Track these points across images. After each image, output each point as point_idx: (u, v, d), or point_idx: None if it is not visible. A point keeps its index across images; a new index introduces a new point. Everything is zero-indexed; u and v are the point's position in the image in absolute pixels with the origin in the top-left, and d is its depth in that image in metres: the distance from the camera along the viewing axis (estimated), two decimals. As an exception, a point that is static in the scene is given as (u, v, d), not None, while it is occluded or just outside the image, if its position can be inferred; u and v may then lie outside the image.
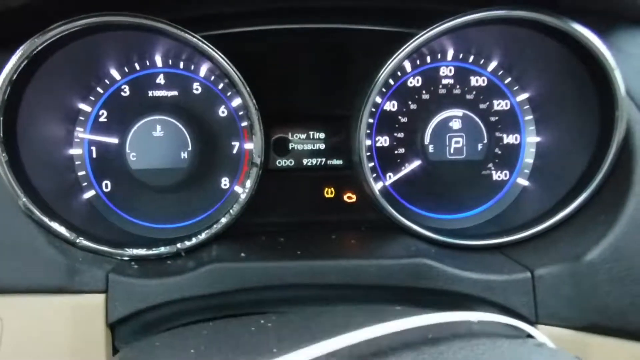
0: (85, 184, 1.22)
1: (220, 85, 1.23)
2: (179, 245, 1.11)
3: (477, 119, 1.22)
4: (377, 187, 1.18)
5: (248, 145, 1.23)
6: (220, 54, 1.07)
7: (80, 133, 1.21)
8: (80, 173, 1.21)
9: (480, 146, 1.23)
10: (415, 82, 1.28)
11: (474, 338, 0.66)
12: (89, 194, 1.22)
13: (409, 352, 0.64)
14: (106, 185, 1.23)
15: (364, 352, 0.66)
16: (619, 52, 1.08)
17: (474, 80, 1.28)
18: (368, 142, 1.26)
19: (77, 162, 1.21)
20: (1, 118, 0.99)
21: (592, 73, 1.10)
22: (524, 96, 1.27)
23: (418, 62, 1.27)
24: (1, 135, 0.99)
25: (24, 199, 1.00)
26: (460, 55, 1.27)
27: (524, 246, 1.13)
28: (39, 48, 0.99)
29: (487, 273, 1.03)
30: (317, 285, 1.03)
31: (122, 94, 1.21)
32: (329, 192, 1.33)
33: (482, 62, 1.27)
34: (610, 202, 1.05)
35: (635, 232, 1.00)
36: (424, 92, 1.28)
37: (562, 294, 1.00)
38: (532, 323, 0.99)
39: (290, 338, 0.73)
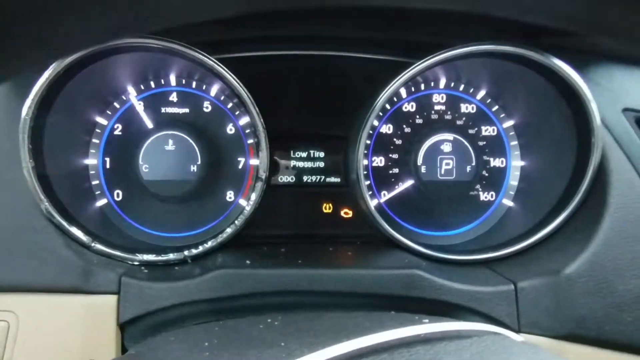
0: (98, 192, 1.29)
1: (229, 105, 1.31)
2: (186, 252, 1.18)
3: (466, 143, 1.32)
4: (372, 204, 1.26)
5: (253, 161, 1.31)
6: (233, 75, 1.15)
7: (96, 144, 1.28)
8: (94, 182, 1.28)
9: (469, 168, 1.32)
10: (409, 107, 1.37)
11: (462, 334, 0.74)
12: (101, 202, 1.28)
13: (403, 347, 0.71)
14: (118, 194, 1.30)
15: (364, 347, 0.73)
16: (596, 85, 1.18)
17: (464, 107, 1.37)
18: (365, 162, 1.34)
19: (91, 172, 1.28)
20: (31, 128, 1.06)
21: (571, 104, 1.21)
22: (509, 123, 1.37)
23: (413, 89, 1.36)
24: (30, 143, 1.06)
25: (46, 204, 1.07)
26: (452, 84, 1.37)
27: (509, 261, 1.21)
28: (67, 67, 1.07)
29: (473, 285, 1.10)
30: (316, 292, 1.10)
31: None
32: (327, 208, 1.41)
33: (471, 90, 1.37)
34: (587, 222, 1.14)
35: (609, 249, 1.09)
36: (417, 116, 1.37)
37: (543, 305, 1.07)
38: (515, 332, 1.07)
39: (296, 334, 0.80)
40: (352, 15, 1.27)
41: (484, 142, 1.37)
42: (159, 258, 1.16)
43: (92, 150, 1.28)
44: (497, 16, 0.90)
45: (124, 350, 1.05)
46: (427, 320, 0.86)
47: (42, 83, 1.05)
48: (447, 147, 1.32)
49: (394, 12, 1.23)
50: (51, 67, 1.05)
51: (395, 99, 1.36)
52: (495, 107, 1.38)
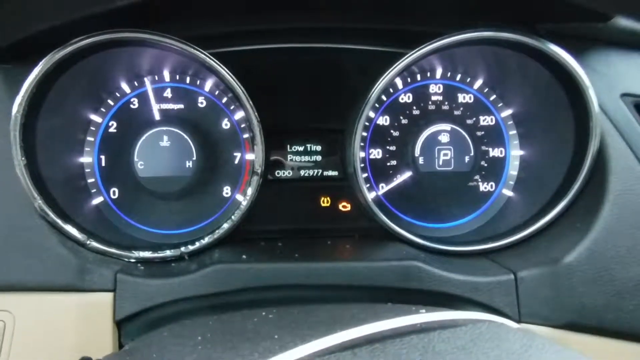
0: (94, 190, 1.28)
1: (224, 99, 1.31)
2: (182, 249, 1.17)
3: (464, 133, 1.31)
4: (370, 196, 1.25)
5: (249, 156, 1.30)
6: (226, 70, 1.14)
7: (91, 142, 1.28)
8: (90, 180, 1.28)
9: (467, 158, 1.31)
10: (406, 98, 1.36)
11: (458, 322, 0.73)
12: (97, 200, 1.28)
13: (397, 335, 0.70)
14: (114, 192, 1.29)
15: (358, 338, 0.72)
16: (593, 71, 1.17)
17: (461, 97, 1.36)
18: (362, 154, 1.33)
19: (87, 170, 1.27)
20: (22, 125, 1.05)
21: (569, 91, 1.19)
22: (507, 112, 1.36)
23: (409, 79, 1.35)
24: (21, 140, 1.06)
25: (39, 201, 1.07)
26: (448, 74, 1.36)
27: (508, 251, 1.20)
28: (58, 62, 1.06)
29: (473, 275, 1.09)
30: (313, 286, 1.09)
31: (132, 106, 1.29)
32: (325, 202, 1.40)
33: (468, 80, 1.36)
34: (587, 209, 1.13)
35: (609, 237, 1.08)
36: (414, 107, 1.36)
37: (543, 294, 1.06)
38: (515, 322, 1.06)
39: (290, 326, 0.79)
40: (349, 4, 1.26)
41: (483, 132, 1.36)
42: (156, 255, 1.16)
43: (87, 149, 1.27)
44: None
45: (120, 347, 1.05)
46: (423, 311, 0.85)
47: (33, 79, 1.05)
48: (444, 138, 1.31)
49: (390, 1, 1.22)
50: (41, 62, 1.05)
51: (391, 90, 1.35)
52: (493, 97, 1.36)
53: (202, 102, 1.31)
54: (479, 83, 1.36)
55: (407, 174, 1.34)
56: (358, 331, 0.70)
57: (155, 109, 1.26)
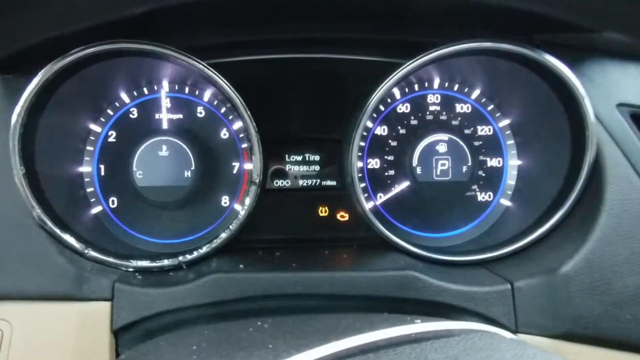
0: (93, 200, 1.29)
1: (223, 110, 1.32)
2: (180, 258, 1.18)
3: (462, 143, 1.31)
4: (368, 206, 1.25)
5: (247, 166, 1.31)
6: (224, 80, 1.15)
7: (90, 152, 1.29)
8: (89, 190, 1.29)
9: (465, 168, 1.31)
10: (404, 108, 1.37)
11: (452, 332, 0.73)
12: (96, 210, 1.29)
13: (390, 345, 0.71)
14: (113, 201, 1.30)
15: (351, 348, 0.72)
16: (589, 81, 1.17)
17: (459, 107, 1.37)
18: (360, 164, 1.34)
19: (86, 179, 1.28)
20: (21, 135, 1.06)
21: (565, 101, 1.20)
22: (505, 122, 1.36)
23: (407, 89, 1.36)
24: (20, 149, 1.06)
25: (38, 211, 1.07)
26: (446, 84, 1.37)
27: (505, 261, 1.20)
28: (58, 71, 1.08)
29: (470, 285, 1.09)
30: (310, 295, 1.09)
31: (131, 116, 1.30)
32: (323, 211, 1.41)
33: (466, 90, 1.37)
34: (584, 219, 1.13)
35: (606, 246, 1.08)
36: (412, 117, 1.36)
37: (540, 304, 1.06)
38: (512, 332, 1.06)
39: (285, 336, 0.79)
40: (347, 15, 1.27)
41: (480, 142, 1.37)
42: (154, 264, 1.16)
43: (86, 158, 1.28)
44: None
45: (117, 356, 1.05)
46: (418, 321, 0.85)
47: (32, 89, 1.06)
48: (442, 148, 1.31)
49: (390, 11, 1.23)
50: (41, 72, 1.06)
51: (389, 100, 1.36)
52: (491, 107, 1.37)
53: (200, 112, 1.32)
54: (476, 93, 1.36)
55: (405, 184, 1.34)
56: (352, 341, 0.71)
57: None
